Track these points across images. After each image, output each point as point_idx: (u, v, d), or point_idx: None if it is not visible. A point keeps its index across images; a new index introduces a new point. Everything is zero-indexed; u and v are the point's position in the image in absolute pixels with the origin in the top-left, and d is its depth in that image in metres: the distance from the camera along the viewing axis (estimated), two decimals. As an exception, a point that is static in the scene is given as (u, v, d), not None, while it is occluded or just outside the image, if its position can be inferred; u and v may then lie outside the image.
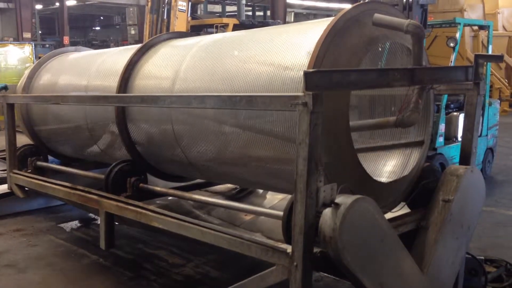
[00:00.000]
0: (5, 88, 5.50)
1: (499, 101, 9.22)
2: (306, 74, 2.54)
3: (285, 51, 3.35)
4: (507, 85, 16.59)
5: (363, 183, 3.18)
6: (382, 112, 3.81)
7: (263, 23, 17.03)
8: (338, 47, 3.06)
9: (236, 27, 13.89)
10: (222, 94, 3.40)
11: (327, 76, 2.62)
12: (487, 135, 7.88)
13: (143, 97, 4.00)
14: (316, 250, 2.73)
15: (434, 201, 3.39)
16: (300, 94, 2.60)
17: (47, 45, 26.61)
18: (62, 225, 5.92)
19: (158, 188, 4.39)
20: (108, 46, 25.89)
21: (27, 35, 24.73)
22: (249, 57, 3.60)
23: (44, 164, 5.69)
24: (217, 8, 31.58)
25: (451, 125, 7.11)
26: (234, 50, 3.79)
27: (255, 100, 2.97)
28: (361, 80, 2.79)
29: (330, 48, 3.01)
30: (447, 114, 7.09)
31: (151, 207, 3.93)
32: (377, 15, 3.11)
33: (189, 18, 13.40)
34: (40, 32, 32.64)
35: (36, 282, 4.45)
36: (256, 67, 3.47)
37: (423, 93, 3.19)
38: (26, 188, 5.56)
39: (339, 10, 3.55)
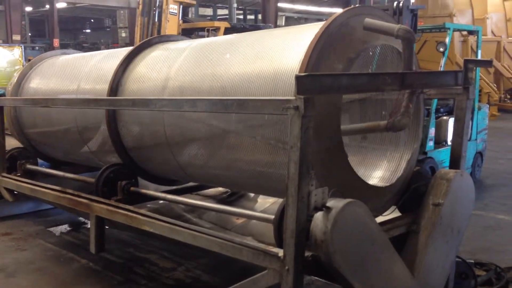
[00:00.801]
0: (3, 94, 5.48)
1: (488, 106, 9.31)
2: (297, 78, 2.55)
3: (277, 55, 3.36)
4: (496, 89, 16.78)
5: (354, 187, 3.19)
6: (373, 116, 3.83)
7: (254, 27, 17.11)
8: (330, 51, 3.07)
9: (227, 31, 13.95)
10: (214, 97, 3.40)
11: (318, 80, 2.63)
12: (476, 139, 7.95)
13: (134, 100, 3.99)
14: (307, 253, 2.73)
15: (424, 205, 3.41)
16: (292, 98, 2.61)
17: (37, 48, 26.44)
18: (51, 229, 5.87)
19: (149, 192, 4.37)
20: (98, 49, 25.78)
21: (17, 37, 24.60)
22: (241, 61, 3.60)
23: (34, 167, 5.64)
24: (208, 11, 31.64)
25: (441, 129, 7.16)
26: (226, 53, 3.79)
27: (246, 103, 2.98)
28: (352, 84, 2.80)
29: (321, 52, 3.02)
30: (437, 118, 7.14)
31: (142, 211, 3.92)
32: (368, 20, 3.14)
33: (181, 21, 13.42)
34: (30, 34, 32.44)
35: (25, 286, 4.41)
36: (247, 70, 3.47)
37: (413, 97, 3.21)
38: (15, 192, 5.51)
39: (330, 14, 3.57)
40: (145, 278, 4.55)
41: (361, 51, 3.27)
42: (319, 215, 2.66)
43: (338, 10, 3.46)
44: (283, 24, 32.77)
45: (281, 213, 2.91)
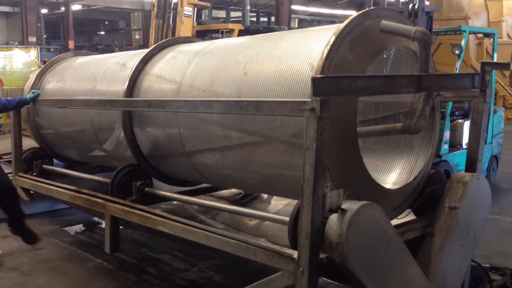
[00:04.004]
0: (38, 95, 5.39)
1: (503, 109, 9.20)
2: (314, 79, 2.55)
3: (292, 57, 3.36)
4: (511, 93, 16.56)
5: (369, 189, 3.18)
6: (387, 118, 3.81)
7: (268, 29, 17.11)
8: (345, 53, 3.07)
9: (241, 33, 13.97)
10: (229, 99, 3.41)
11: (334, 82, 2.63)
12: (491, 143, 7.87)
13: (150, 101, 4.02)
14: (322, 255, 2.72)
15: (440, 208, 3.39)
16: (308, 99, 2.61)
17: (52, 49, 26.75)
18: (66, 228, 5.93)
19: (163, 193, 4.39)
20: (112, 51, 25.99)
21: (32, 39, 24.91)
22: (256, 62, 3.60)
23: (50, 167, 5.71)
24: (222, 13, 31.69)
25: (456, 132, 7.11)
26: (240, 56, 3.80)
27: (262, 105, 2.98)
28: (369, 86, 2.80)
29: (337, 55, 3.02)
30: (452, 121, 7.08)
31: (157, 211, 3.94)
32: (385, 22, 3.13)
33: (195, 24, 13.48)
34: (45, 36, 32.80)
35: (40, 285, 4.45)
36: (263, 72, 3.48)
37: (430, 99, 3.20)
38: (31, 191, 5.57)
39: (343, 16, 3.56)
40: (158, 278, 4.58)
41: (377, 53, 3.26)
42: (334, 217, 2.66)
43: (352, 13, 3.45)
44: (296, 26, 32.72)
45: (296, 215, 2.91)
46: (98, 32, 46.63)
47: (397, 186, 3.45)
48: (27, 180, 5.47)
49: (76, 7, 30.33)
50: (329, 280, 3.88)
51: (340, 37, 3.05)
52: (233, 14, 30.71)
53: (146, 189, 4.37)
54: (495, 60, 8.10)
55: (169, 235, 3.85)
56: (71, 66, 5.87)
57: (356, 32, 3.15)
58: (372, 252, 2.77)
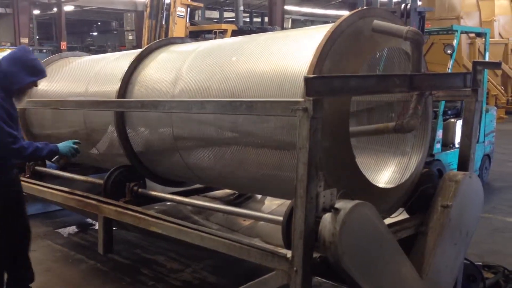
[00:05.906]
0: None
1: (495, 108, 9.27)
2: (306, 79, 2.55)
3: (285, 57, 3.37)
4: (503, 92, 16.70)
5: (362, 189, 3.19)
6: (379, 118, 3.83)
7: (261, 29, 17.13)
8: (338, 53, 3.08)
9: (234, 33, 13.98)
10: (222, 99, 3.41)
11: (327, 81, 2.63)
12: (484, 142, 7.92)
13: (143, 102, 4.00)
14: (315, 255, 2.73)
15: (432, 206, 3.41)
16: (301, 99, 2.61)
17: (45, 50, 26.59)
18: (59, 230, 5.91)
19: (156, 193, 4.38)
20: (105, 52, 25.88)
21: (25, 40, 24.77)
22: (249, 62, 3.60)
23: (42, 169, 5.66)
24: (215, 14, 31.71)
25: (448, 131, 7.15)
26: (233, 56, 3.80)
27: (255, 105, 2.98)
28: (361, 85, 2.80)
29: (329, 54, 3.03)
30: (444, 120, 7.12)
31: (150, 212, 3.93)
32: (377, 22, 3.14)
33: (188, 24, 13.46)
34: (37, 37, 32.66)
35: (33, 287, 4.42)
36: (255, 72, 3.48)
37: (422, 99, 3.21)
38: (24, 193, 5.53)
39: (336, 16, 3.57)
40: (153, 279, 4.57)
41: (369, 53, 3.27)
42: (327, 217, 2.66)
43: (345, 13, 3.46)
44: (290, 26, 32.77)
45: (290, 215, 2.92)
46: (91, 33, 46.44)
47: (390, 185, 3.46)
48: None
49: (68, 8, 30.21)
50: (323, 280, 3.89)
51: (333, 37, 3.06)
52: (226, 14, 30.73)
53: (140, 190, 4.35)
54: (487, 59, 8.14)
55: (163, 236, 3.84)
56: (64, 67, 5.84)
57: (349, 32, 3.16)
58: (365, 251, 2.78)
